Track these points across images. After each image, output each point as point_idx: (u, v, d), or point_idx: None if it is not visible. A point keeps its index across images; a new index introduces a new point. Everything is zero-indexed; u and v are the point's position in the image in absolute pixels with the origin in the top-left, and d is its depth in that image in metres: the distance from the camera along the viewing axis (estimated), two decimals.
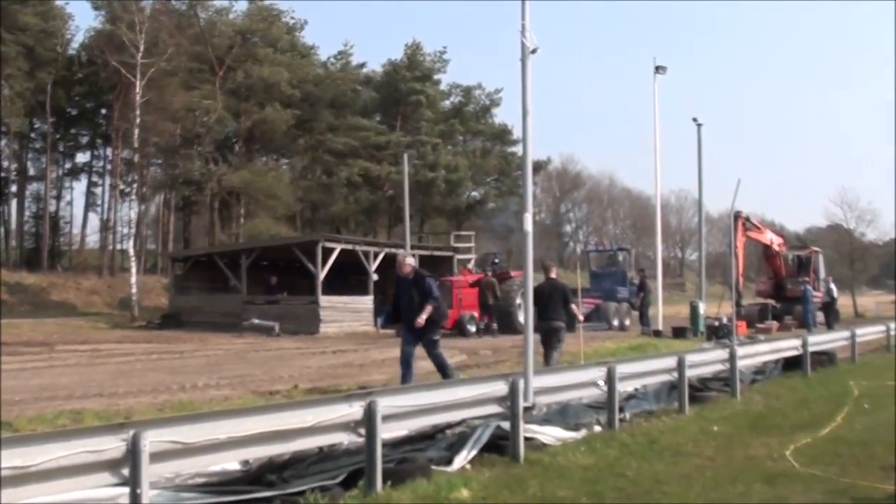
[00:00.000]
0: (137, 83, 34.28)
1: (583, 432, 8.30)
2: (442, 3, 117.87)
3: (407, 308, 10.57)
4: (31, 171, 46.32)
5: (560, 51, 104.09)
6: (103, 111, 44.05)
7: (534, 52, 7.70)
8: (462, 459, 6.86)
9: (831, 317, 29.74)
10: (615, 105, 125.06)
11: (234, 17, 44.45)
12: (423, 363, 11.15)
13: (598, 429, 8.54)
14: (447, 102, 53.19)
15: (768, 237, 31.73)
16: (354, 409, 6.05)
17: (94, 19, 43.00)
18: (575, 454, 7.32)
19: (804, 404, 10.62)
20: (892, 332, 18.99)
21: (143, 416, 8.38)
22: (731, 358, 11.27)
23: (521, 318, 20.62)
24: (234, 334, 24.22)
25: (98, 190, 48.79)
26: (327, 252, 26.26)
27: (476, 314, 24.23)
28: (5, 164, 43.72)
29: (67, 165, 48.67)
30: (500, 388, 7.33)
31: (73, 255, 46.97)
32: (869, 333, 18.57)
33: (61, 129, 44.50)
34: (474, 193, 53.23)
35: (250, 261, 28.27)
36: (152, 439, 4.79)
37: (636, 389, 10.32)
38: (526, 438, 7.35)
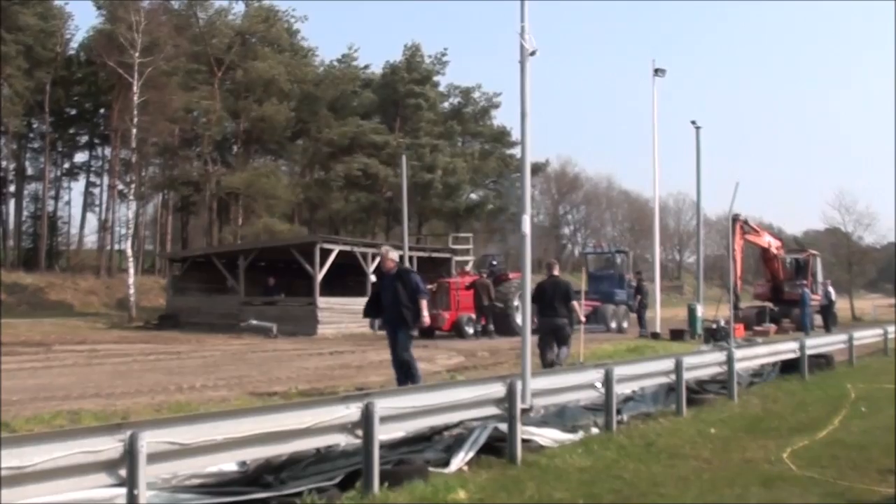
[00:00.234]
0: (135, 83, 34.27)
1: (580, 434, 8.31)
2: (441, 4, 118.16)
3: (391, 305, 10.29)
4: (30, 171, 46.39)
5: (559, 53, 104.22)
6: (102, 111, 44.03)
7: (533, 54, 7.71)
8: (459, 461, 6.86)
9: (829, 320, 29.78)
10: (614, 107, 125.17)
11: (232, 17, 44.55)
12: (420, 364, 11.14)
13: (595, 431, 8.54)
14: (446, 104, 53.22)
15: (766, 240, 31.76)
16: (352, 411, 6.06)
17: (96, 18, 42.87)
18: (572, 456, 7.32)
19: (801, 407, 10.62)
20: (890, 336, 19.01)
21: (141, 416, 8.37)
22: (729, 360, 11.27)
23: (518, 320, 20.68)
24: (232, 335, 24.19)
25: (96, 190, 48.94)
26: (325, 253, 26.25)
27: (474, 316, 24.23)
28: (3, 163, 43.74)
29: (66, 165, 48.73)
30: (498, 389, 7.33)
31: (71, 255, 46.92)
32: (866, 337, 18.57)
33: (60, 129, 44.47)
34: (473, 195, 53.28)
35: (248, 262, 28.26)
36: (149, 440, 4.79)
37: (634, 391, 10.32)
38: (523, 440, 7.35)
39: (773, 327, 27.95)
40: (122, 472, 4.75)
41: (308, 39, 52.19)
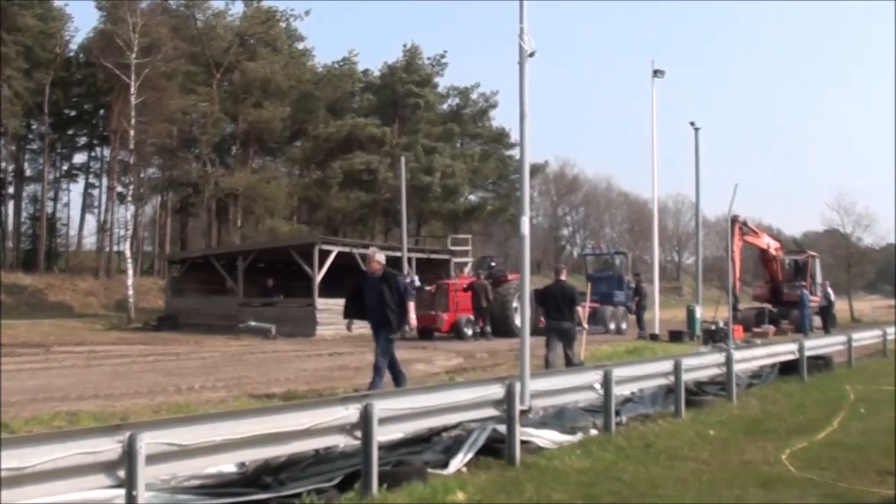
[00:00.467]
0: (132, 84, 34.26)
1: (579, 436, 8.31)
2: (440, 5, 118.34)
3: (375, 307, 10.23)
4: (29, 173, 46.36)
5: (558, 54, 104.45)
6: (101, 112, 44.03)
7: (532, 55, 7.72)
8: (458, 462, 6.86)
9: (828, 321, 29.79)
10: (613, 108, 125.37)
11: (231, 19, 44.55)
12: (419, 365, 11.14)
13: (594, 432, 8.54)
14: (444, 106, 53.20)
15: (765, 241, 31.76)
16: (350, 412, 6.06)
17: (97, 19, 42.90)
18: (571, 457, 7.32)
19: (800, 408, 10.63)
20: (889, 337, 19.03)
21: (140, 417, 8.36)
22: (728, 362, 11.28)
23: (517, 321, 20.65)
24: (231, 336, 24.19)
25: (95, 191, 48.96)
26: (324, 254, 26.24)
27: (472, 317, 24.22)
28: (3, 165, 43.75)
29: (65, 167, 48.77)
30: (497, 391, 7.33)
31: (70, 256, 46.92)
32: (865, 338, 18.59)
33: (59, 130, 44.47)
34: (472, 197, 53.25)
35: (247, 263, 28.25)
36: (148, 441, 4.79)
37: (632, 393, 10.32)
38: (522, 442, 7.34)
39: (771, 329, 27.94)
40: (121, 473, 4.75)
41: (307, 39, 52.23)
